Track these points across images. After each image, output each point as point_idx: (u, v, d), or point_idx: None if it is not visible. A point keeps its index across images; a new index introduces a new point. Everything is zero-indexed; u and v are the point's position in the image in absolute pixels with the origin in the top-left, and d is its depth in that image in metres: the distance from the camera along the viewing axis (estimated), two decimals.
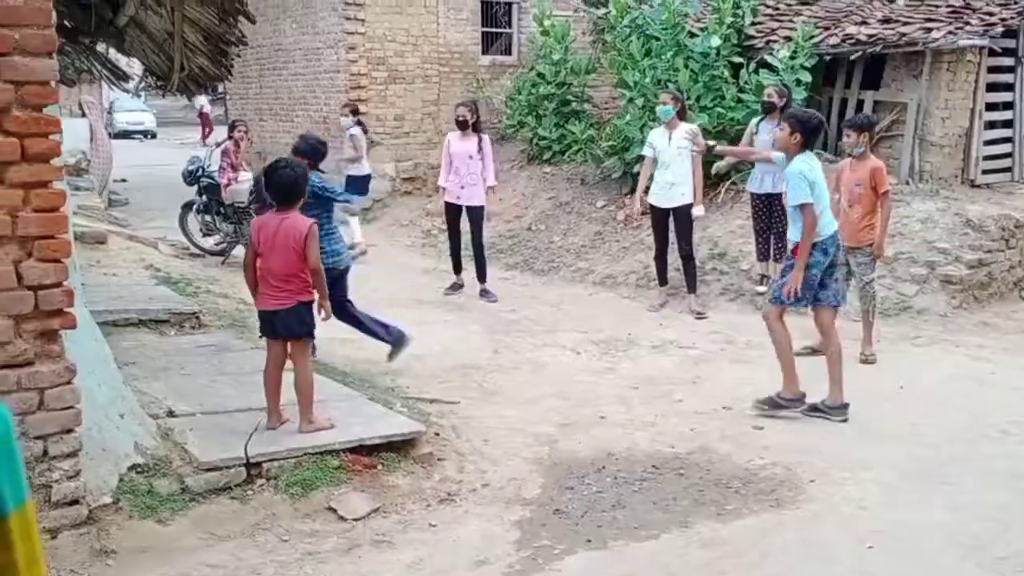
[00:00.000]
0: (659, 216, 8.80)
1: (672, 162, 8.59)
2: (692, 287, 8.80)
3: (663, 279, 9.04)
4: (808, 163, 5.81)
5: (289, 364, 5.26)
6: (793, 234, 5.88)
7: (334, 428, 5.14)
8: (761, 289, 8.75)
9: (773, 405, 5.96)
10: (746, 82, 10.37)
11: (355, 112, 11.80)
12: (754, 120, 8.71)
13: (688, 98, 10.50)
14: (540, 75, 13.24)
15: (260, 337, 5.47)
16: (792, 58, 10.11)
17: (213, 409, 5.36)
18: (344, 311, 6.56)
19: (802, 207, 5.75)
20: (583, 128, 12.15)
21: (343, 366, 6.99)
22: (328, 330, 8.08)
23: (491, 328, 8.41)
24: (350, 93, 13.94)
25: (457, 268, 9.74)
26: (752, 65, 10.41)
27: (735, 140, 10.35)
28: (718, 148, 7.73)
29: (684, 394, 6.51)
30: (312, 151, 6.61)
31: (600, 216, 11.43)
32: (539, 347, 7.81)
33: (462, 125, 9.42)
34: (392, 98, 14.24)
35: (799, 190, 5.74)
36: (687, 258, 8.75)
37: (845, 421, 5.84)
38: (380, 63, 14.08)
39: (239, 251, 11.00)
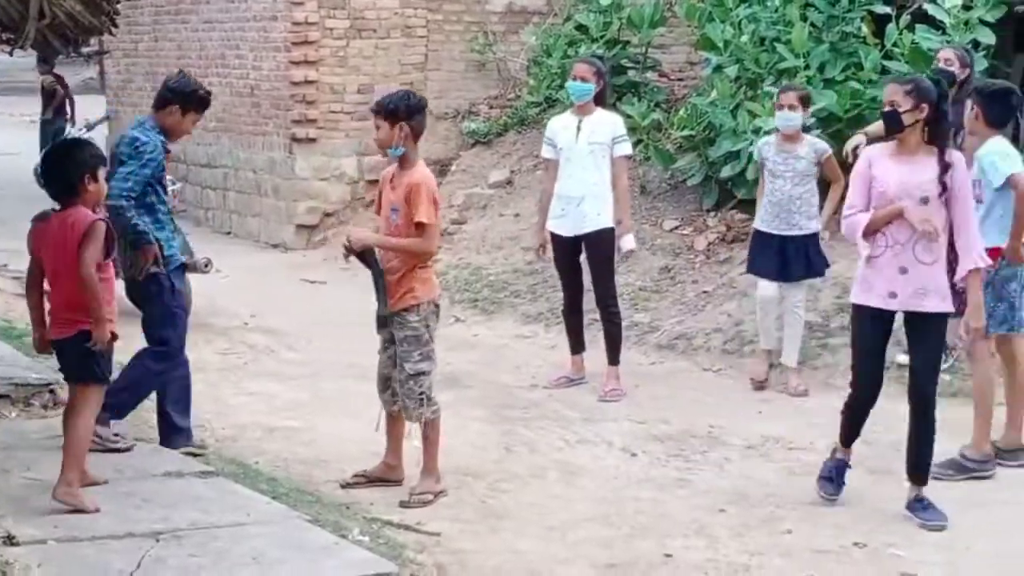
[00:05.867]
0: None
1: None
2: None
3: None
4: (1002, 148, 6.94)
5: None
6: (992, 237, 6.86)
7: (98, 512, 5.61)
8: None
9: (958, 469, 7.11)
10: (895, 44, 10.44)
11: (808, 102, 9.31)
12: None
13: (807, 67, 10.58)
14: (581, 28, 13.35)
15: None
16: (967, 8, 10.19)
17: (74, 534, 5.36)
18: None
19: (1011, 179, 6.93)
20: (645, 110, 12.24)
21: (271, 470, 7.01)
22: (255, 414, 8.16)
23: (500, 414, 8.42)
24: (291, 51, 14.11)
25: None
26: (905, 18, 10.49)
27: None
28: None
29: (796, 522, 6.48)
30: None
31: (670, 243, 11.47)
32: (573, 444, 7.81)
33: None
34: (356, 60, 14.39)
35: (997, 167, 6.96)
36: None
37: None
38: (338, 6, 14.25)
39: (118, 289, 11.08)
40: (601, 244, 8.93)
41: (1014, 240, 7.06)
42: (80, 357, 5.80)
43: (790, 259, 8.91)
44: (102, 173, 6.00)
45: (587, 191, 8.81)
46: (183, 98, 6.93)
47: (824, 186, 9.08)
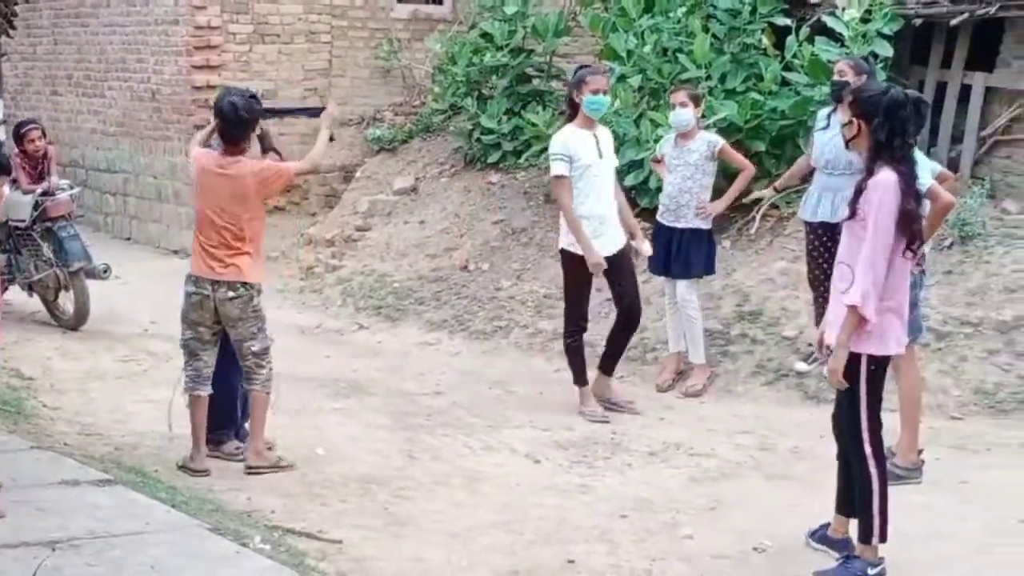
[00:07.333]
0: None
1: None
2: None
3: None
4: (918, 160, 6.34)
5: None
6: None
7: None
8: (803, 367, 8.88)
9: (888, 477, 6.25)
10: (795, 55, 10.58)
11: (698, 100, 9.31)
12: (822, 112, 8.88)
13: (709, 78, 10.69)
14: (486, 36, 13.38)
15: None
16: (864, 21, 10.35)
17: None
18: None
19: (930, 191, 6.42)
20: (549, 118, 12.29)
21: (171, 478, 6.95)
22: (155, 421, 8.06)
23: (404, 421, 8.40)
24: (193, 56, 13.98)
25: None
26: (804, 31, 10.64)
27: (778, 140, 10.56)
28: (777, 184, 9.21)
29: (696, 527, 6.54)
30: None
31: None
32: (476, 451, 7.82)
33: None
34: (259, 65, 14.31)
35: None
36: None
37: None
38: (241, 11, 14.16)
39: (14, 295, 10.91)
40: (628, 257, 8.66)
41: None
42: None
43: (672, 255, 8.97)
44: (2, 182, 5.90)
45: (613, 208, 8.55)
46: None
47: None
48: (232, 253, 7.09)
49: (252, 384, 7.22)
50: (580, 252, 8.41)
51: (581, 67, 9.11)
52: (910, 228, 5.65)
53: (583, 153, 8.38)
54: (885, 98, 5.68)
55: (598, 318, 9.39)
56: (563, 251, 8.60)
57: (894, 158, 5.64)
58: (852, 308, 5.57)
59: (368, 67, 14.90)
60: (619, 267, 8.59)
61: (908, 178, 5.65)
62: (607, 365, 8.86)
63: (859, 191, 5.69)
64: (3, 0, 7.06)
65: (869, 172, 5.68)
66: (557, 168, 8.45)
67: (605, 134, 8.66)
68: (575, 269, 8.53)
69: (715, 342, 9.33)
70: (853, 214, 5.70)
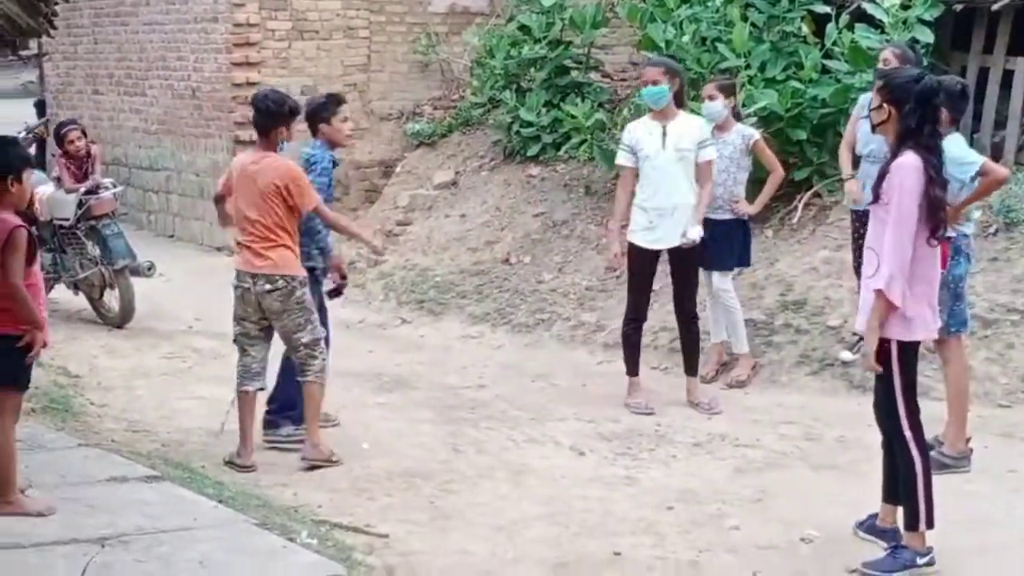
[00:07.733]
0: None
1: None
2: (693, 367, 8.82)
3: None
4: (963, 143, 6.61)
5: None
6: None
7: (47, 516, 5.64)
8: (848, 356, 8.82)
9: (935, 465, 6.15)
10: (835, 43, 10.52)
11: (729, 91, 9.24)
12: (863, 97, 8.80)
13: (748, 67, 10.64)
14: (524, 29, 13.37)
15: None
16: (905, 7, 10.28)
17: (18, 540, 5.34)
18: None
19: (984, 166, 6.80)
20: (588, 110, 12.26)
21: (218, 472, 7.00)
22: (201, 418, 8.10)
23: (448, 415, 8.42)
24: (233, 53, 14.05)
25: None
26: (844, 18, 10.59)
27: (819, 129, 10.51)
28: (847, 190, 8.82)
29: (742, 518, 6.53)
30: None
31: None
32: (520, 444, 7.83)
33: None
34: (298, 61, 14.35)
35: (968, 158, 6.71)
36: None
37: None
38: (280, 7, 14.20)
39: (60, 293, 11.00)
40: (692, 254, 8.54)
41: (963, 205, 6.91)
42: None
43: (706, 246, 8.70)
44: (27, 175, 5.85)
45: (679, 201, 8.38)
46: None
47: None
48: (268, 246, 7.16)
49: (306, 376, 7.28)
50: (641, 243, 8.49)
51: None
52: (935, 215, 5.63)
53: (645, 143, 8.40)
54: (918, 86, 5.67)
55: None
56: (628, 241, 8.63)
57: (921, 145, 5.63)
58: (879, 293, 5.59)
59: (407, 62, 14.91)
60: (676, 262, 8.60)
61: (935, 165, 5.64)
62: (685, 364, 8.80)
63: (882, 175, 5.72)
64: (43, 0, 7.09)
65: (894, 156, 5.69)
66: (618, 158, 8.71)
67: (681, 126, 8.43)
68: (637, 259, 8.57)
69: (759, 332, 9.30)
70: (877, 198, 5.73)
